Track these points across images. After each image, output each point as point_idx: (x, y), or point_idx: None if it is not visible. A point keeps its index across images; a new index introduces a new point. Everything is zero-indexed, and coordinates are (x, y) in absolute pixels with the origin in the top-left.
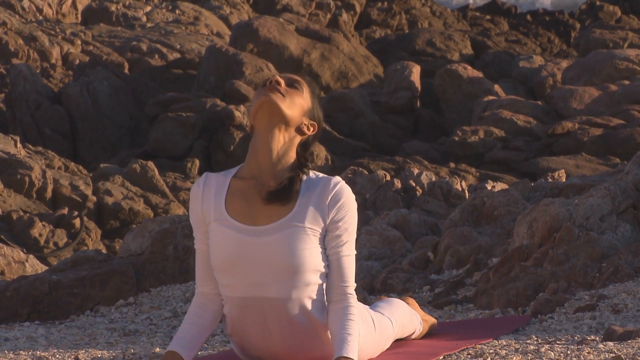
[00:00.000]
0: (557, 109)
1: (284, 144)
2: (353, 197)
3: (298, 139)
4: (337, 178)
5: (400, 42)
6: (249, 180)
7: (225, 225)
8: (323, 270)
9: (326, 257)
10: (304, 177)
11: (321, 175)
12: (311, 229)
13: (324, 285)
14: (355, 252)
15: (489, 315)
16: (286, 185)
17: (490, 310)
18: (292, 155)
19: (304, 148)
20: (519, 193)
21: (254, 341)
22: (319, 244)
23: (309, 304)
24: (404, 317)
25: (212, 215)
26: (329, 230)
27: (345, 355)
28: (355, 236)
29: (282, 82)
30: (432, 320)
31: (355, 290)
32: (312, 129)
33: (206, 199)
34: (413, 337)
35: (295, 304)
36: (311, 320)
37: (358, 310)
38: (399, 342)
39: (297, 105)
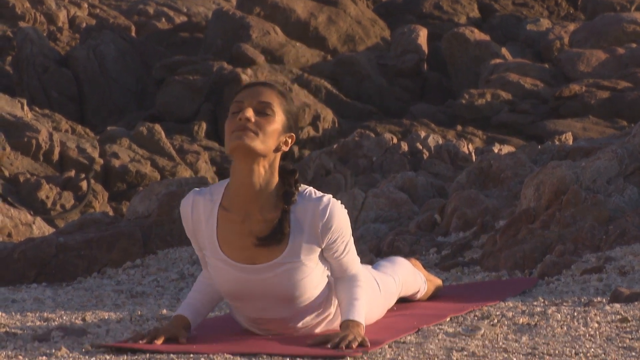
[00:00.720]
0: (565, 72)
1: (264, 173)
2: (343, 214)
3: (278, 156)
4: (325, 200)
5: (407, 5)
6: (236, 214)
7: (222, 262)
8: (325, 279)
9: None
10: (292, 207)
11: (308, 193)
12: (307, 258)
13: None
14: (353, 243)
15: (496, 278)
16: (276, 229)
17: (497, 273)
18: (275, 177)
19: (286, 158)
20: (526, 156)
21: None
22: (318, 261)
23: (313, 309)
24: (407, 275)
25: (208, 248)
26: (325, 250)
27: (352, 318)
28: (350, 236)
29: (252, 117)
30: (438, 281)
31: (360, 255)
32: (290, 141)
33: (197, 225)
34: (418, 296)
35: (299, 316)
36: (316, 318)
37: (365, 278)
38: (405, 304)
39: (271, 134)
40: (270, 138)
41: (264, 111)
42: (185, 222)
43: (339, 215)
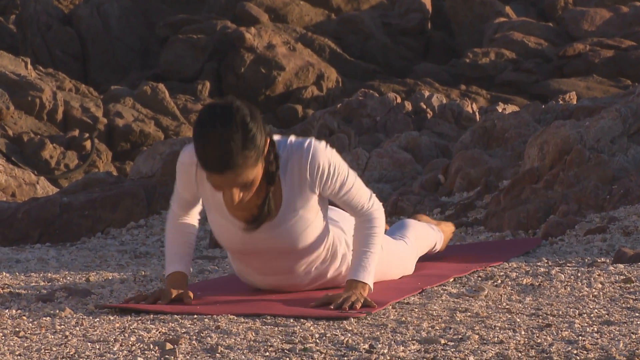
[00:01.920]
0: (569, 31)
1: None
2: (328, 152)
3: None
4: (306, 145)
5: None
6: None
7: (226, 219)
8: (327, 228)
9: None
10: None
11: (289, 144)
12: (305, 210)
13: (328, 232)
14: (356, 178)
15: (500, 238)
16: (259, 212)
17: (500, 233)
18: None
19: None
20: (530, 115)
21: (259, 284)
22: (318, 210)
23: (318, 258)
24: (418, 233)
25: (212, 206)
26: (323, 193)
27: (358, 278)
28: (348, 172)
29: (239, 196)
30: (450, 226)
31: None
32: (267, 147)
33: (201, 183)
34: (437, 248)
35: (305, 265)
36: (321, 265)
37: (380, 224)
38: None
39: (255, 182)
40: (255, 183)
41: (246, 185)
42: (186, 172)
43: (323, 154)
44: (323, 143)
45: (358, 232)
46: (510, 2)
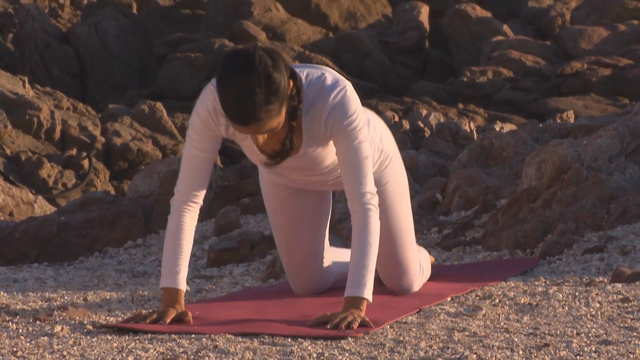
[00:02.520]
0: (566, 49)
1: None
2: (351, 113)
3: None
4: (332, 96)
5: None
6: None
7: (252, 149)
8: None
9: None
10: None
11: (322, 83)
12: (324, 146)
13: None
14: (369, 155)
15: (497, 257)
16: (283, 147)
17: (498, 252)
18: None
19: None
20: (528, 134)
21: (287, 183)
22: None
23: None
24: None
25: (238, 135)
26: (332, 141)
27: (356, 295)
28: (363, 142)
29: (261, 140)
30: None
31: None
32: (292, 85)
33: (221, 126)
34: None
35: (332, 166)
36: None
37: (376, 229)
38: None
39: (279, 125)
40: (280, 117)
41: (270, 130)
42: (208, 112)
43: (344, 113)
44: (352, 100)
45: (354, 240)
46: (508, 20)
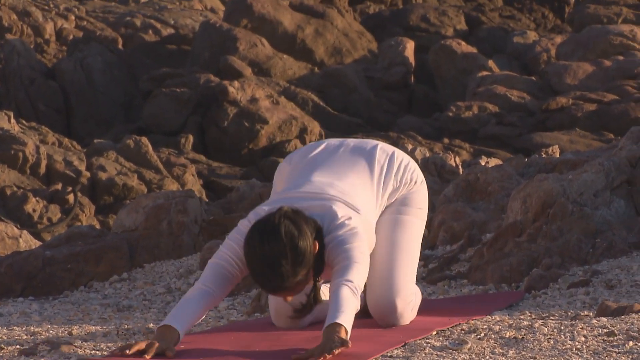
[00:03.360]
0: (551, 85)
1: None
2: (354, 254)
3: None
4: (342, 250)
5: (394, 18)
6: None
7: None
8: None
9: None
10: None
11: (335, 244)
12: None
13: None
14: (363, 267)
15: (483, 291)
16: (307, 303)
17: (484, 286)
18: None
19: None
20: (513, 169)
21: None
22: None
23: None
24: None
25: None
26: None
27: (335, 321)
28: (358, 261)
29: (289, 300)
30: None
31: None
32: (317, 250)
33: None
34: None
35: None
36: None
37: (351, 296)
38: None
39: (307, 281)
40: (304, 283)
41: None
42: (236, 258)
43: (348, 259)
44: (359, 244)
45: (333, 288)
46: (494, 56)
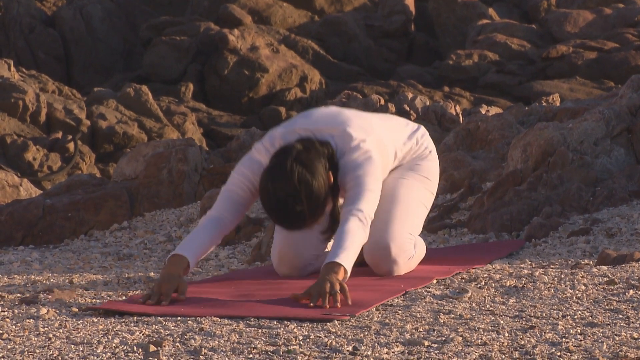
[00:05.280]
0: (552, 33)
1: None
2: (369, 177)
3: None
4: (356, 174)
5: None
6: None
7: None
8: None
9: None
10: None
11: (347, 159)
12: None
13: None
14: (375, 192)
15: (483, 240)
16: (331, 223)
17: (484, 235)
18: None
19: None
20: (513, 117)
21: None
22: None
23: None
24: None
25: None
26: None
27: (334, 260)
28: (371, 186)
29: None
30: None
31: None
32: (330, 177)
33: None
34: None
35: None
36: None
37: (358, 227)
38: None
39: (322, 214)
40: (322, 211)
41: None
42: (262, 159)
43: (362, 180)
44: (376, 172)
45: (336, 236)
46: (493, 4)
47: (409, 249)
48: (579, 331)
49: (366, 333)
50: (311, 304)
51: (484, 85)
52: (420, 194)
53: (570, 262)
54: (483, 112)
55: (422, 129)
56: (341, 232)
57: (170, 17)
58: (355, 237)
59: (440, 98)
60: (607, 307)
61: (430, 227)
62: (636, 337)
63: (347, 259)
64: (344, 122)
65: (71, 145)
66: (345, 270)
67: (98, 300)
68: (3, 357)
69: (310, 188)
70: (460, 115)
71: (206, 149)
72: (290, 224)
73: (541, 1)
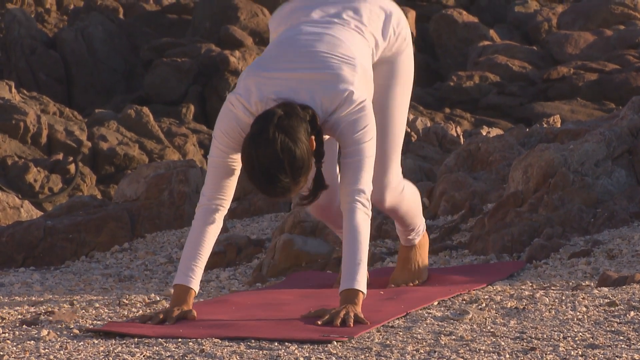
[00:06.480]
0: (553, 54)
1: None
2: (362, 125)
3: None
4: (355, 132)
5: None
6: None
7: None
8: None
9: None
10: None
11: (344, 114)
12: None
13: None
14: (370, 158)
15: (484, 261)
16: (313, 189)
17: (485, 256)
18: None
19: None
20: (514, 138)
21: None
22: None
23: None
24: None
25: None
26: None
27: (352, 287)
28: (368, 150)
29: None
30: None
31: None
32: (313, 141)
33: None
34: (421, 229)
35: None
36: None
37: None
38: (394, 289)
39: (306, 180)
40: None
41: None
42: (235, 128)
43: (359, 138)
44: (367, 117)
45: (344, 238)
46: (495, 25)
47: (399, 187)
48: (580, 353)
49: (367, 355)
50: (319, 322)
51: (485, 106)
52: (403, 111)
53: (571, 283)
54: (484, 133)
55: (396, 12)
56: (351, 237)
57: (172, 39)
58: (364, 240)
59: (441, 119)
60: (608, 328)
61: (431, 249)
62: (637, 358)
63: (363, 278)
64: (324, 64)
65: (72, 167)
66: (363, 294)
67: (99, 322)
68: None
69: (293, 156)
70: (461, 137)
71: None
72: (275, 194)
73: (542, 23)
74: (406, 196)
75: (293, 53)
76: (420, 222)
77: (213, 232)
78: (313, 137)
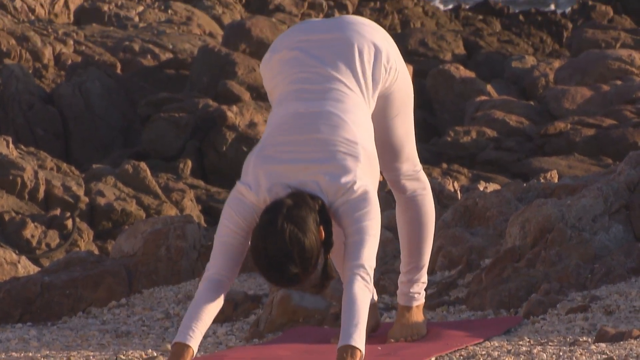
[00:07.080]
0: (550, 109)
1: None
2: (364, 207)
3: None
4: (355, 218)
5: None
6: None
7: None
8: None
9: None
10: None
11: (349, 206)
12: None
13: None
14: (374, 239)
15: (481, 317)
16: (321, 278)
17: (482, 312)
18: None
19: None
20: (511, 194)
21: None
22: None
23: None
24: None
25: None
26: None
27: (350, 343)
28: (370, 233)
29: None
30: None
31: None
32: (322, 232)
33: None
34: (424, 281)
35: None
36: None
37: (362, 291)
38: (391, 345)
39: (315, 270)
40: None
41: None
42: (246, 206)
43: (362, 207)
44: (372, 209)
45: (346, 301)
46: (492, 80)
47: (413, 163)
48: None
49: None
50: None
51: (482, 161)
52: (409, 130)
53: (568, 339)
54: (481, 188)
55: (383, 47)
56: (349, 303)
57: (169, 94)
58: (363, 305)
59: (438, 175)
60: None
61: (429, 305)
62: None
63: (360, 337)
64: (332, 156)
65: (69, 223)
66: (361, 352)
67: None
68: None
69: (302, 247)
70: (459, 192)
71: (204, 226)
72: (284, 284)
73: (539, 78)
74: (427, 196)
75: (297, 140)
76: (425, 266)
77: (216, 302)
78: (322, 227)
